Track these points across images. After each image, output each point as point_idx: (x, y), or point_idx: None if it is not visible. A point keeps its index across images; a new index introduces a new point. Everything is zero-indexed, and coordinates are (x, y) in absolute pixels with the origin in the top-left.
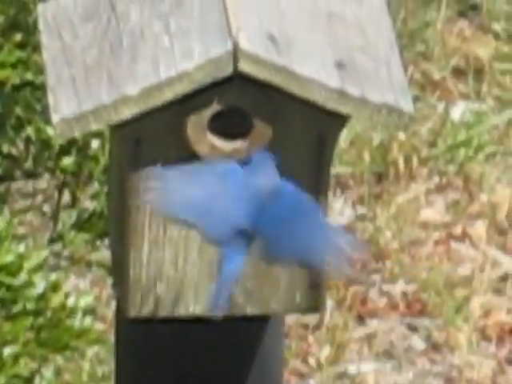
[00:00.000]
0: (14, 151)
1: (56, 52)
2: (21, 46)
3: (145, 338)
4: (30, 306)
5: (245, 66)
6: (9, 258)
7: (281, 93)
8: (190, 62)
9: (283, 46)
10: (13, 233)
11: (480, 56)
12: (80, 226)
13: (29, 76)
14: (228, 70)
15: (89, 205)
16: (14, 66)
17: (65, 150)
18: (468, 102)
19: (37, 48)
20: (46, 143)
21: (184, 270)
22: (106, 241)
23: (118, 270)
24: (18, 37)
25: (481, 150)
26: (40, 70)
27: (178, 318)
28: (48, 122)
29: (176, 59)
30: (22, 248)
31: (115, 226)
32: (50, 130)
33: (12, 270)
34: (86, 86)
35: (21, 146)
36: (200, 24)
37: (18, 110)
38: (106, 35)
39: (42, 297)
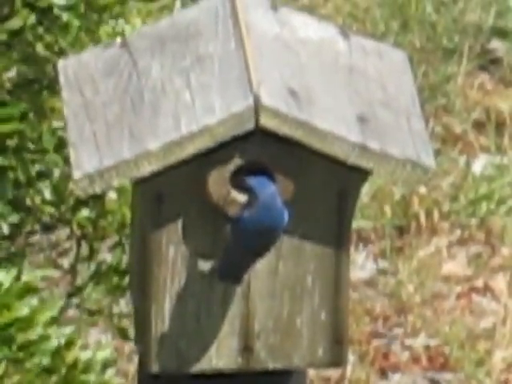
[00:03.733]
0: (29, 204)
1: (77, 108)
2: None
3: None
4: (44, 360)
5: (266, 121)
6: (22, 313)
7: (302, 147)
8: (212, 117)
9: (304, 101)
10: (29, 286)
11: (501, 109)
12: (98, 278)
13: (33, 135)
14: (249, 125)
15: (106, 256)
16: (21, 118)
17: (81, 202)
18: (489, 155)
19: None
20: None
21: (206, 324)
22: (126, 293)
23: (140, 324)
24: (26, 96)
25: (502, 204)
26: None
27: (201, 373)
28: (45, 186)
29: (197, 114)
30: (35, 301)
31: (137, 280)
32: (46, 193)
33: (25, 324)
34: (107, 142)
35: (37, 200)
36: (221, 79)
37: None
38: (127, 91)
39: (57, 351)
